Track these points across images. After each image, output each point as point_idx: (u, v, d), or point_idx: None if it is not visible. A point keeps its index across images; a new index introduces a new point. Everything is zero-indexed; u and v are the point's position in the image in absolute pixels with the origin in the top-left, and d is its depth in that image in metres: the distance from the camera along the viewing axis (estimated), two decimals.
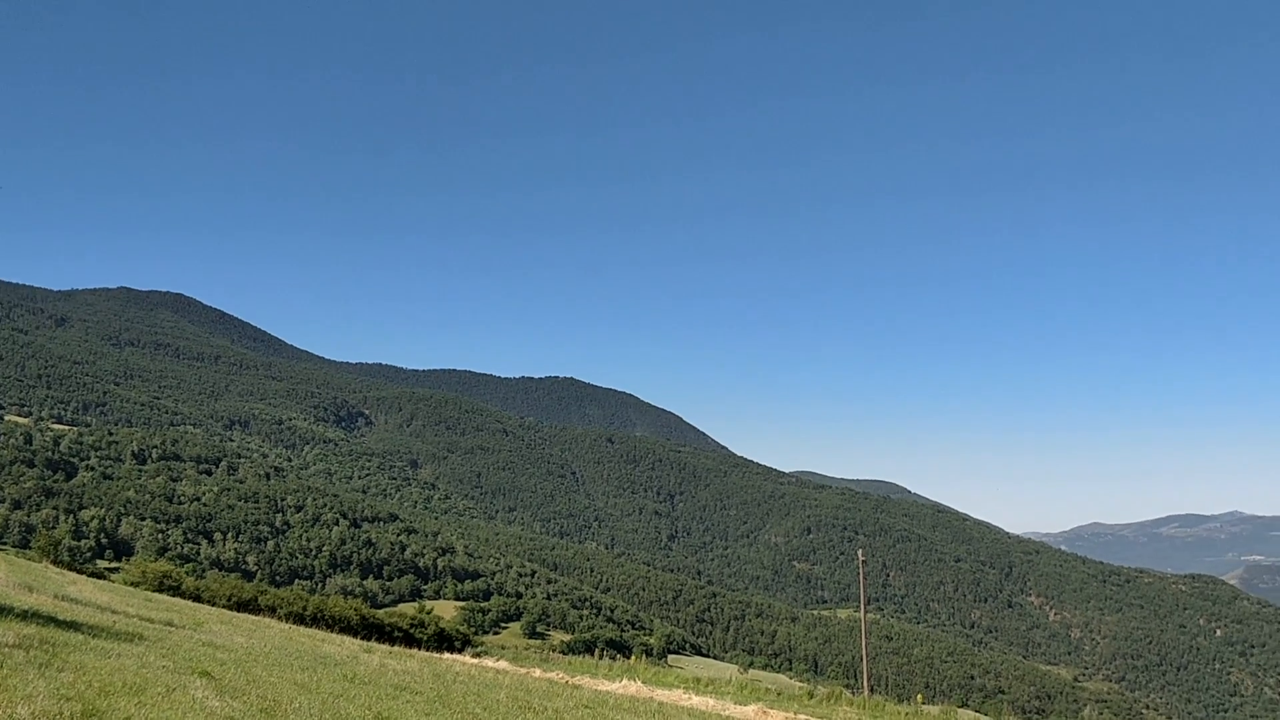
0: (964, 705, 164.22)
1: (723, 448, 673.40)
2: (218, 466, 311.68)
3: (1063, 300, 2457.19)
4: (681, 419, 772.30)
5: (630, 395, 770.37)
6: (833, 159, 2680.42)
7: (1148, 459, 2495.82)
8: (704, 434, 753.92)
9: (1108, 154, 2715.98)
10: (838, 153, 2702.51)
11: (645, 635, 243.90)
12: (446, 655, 55.84)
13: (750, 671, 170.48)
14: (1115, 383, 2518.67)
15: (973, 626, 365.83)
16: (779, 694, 49.91)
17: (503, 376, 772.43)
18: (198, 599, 71.67)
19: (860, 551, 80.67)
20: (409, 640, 67.91)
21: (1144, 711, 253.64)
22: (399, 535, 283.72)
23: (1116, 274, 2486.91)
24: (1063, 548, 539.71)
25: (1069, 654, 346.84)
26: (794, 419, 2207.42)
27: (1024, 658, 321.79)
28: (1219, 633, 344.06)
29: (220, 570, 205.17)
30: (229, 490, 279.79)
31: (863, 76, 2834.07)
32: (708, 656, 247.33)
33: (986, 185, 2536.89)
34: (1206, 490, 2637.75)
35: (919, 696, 57.49)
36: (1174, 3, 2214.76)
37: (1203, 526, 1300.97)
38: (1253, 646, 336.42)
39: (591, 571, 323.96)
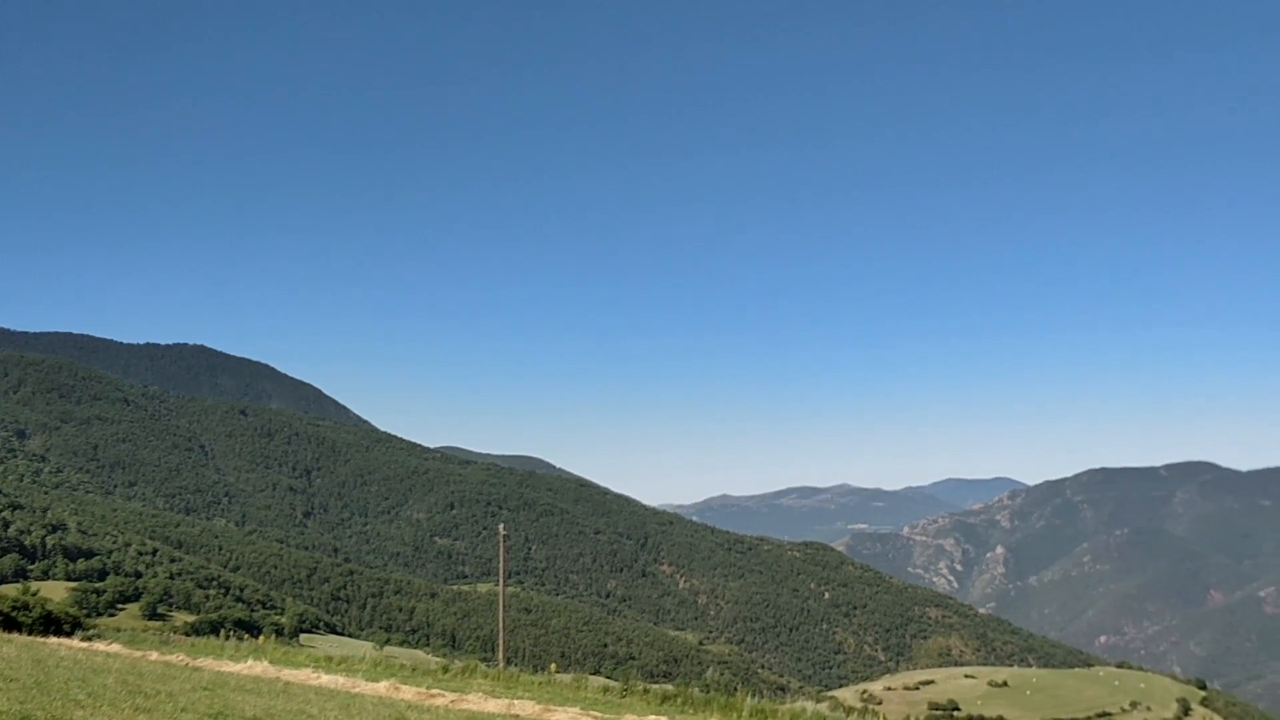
0: (596, 672, 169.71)
1: (365, 423, 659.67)
2: None
3: (686, 288, 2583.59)
4: (321, 392, 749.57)
5: (266, 366, 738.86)
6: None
7: (770, 435, 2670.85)
8: (345, 408, 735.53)
9: None
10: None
11: (277, 615, 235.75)
12: (52, 639, 51.52)
13: (386, 649, 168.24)
14: (742, 366, 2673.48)
15: (609, 596, 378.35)
16: (413, 670, 49.44)
17: (125, 342, 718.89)
18: None
19: (501, 526, 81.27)
20: (10, 624, 62.05)
21: (759, 671, 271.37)
22: (1, 511, 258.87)
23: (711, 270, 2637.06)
24: (694, 518, 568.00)
25: (696, 619, 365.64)
26: (439, 394, 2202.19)
27: (654, 624, 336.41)
28: (827, 595, 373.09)
29: None
30: None
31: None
32: (344, 635, 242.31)
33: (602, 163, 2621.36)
34: (820, 464, 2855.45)
35: (553, 666, 58.70)
36: None
37: (816, 498, 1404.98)
38: (855, 608, 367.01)
39: (220, 549, 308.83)
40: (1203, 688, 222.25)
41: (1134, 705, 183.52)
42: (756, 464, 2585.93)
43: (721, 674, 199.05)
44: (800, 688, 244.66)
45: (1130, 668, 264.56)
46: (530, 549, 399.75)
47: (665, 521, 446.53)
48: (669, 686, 42.84)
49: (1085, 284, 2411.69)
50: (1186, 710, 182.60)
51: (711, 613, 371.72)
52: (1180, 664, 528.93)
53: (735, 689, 44.65)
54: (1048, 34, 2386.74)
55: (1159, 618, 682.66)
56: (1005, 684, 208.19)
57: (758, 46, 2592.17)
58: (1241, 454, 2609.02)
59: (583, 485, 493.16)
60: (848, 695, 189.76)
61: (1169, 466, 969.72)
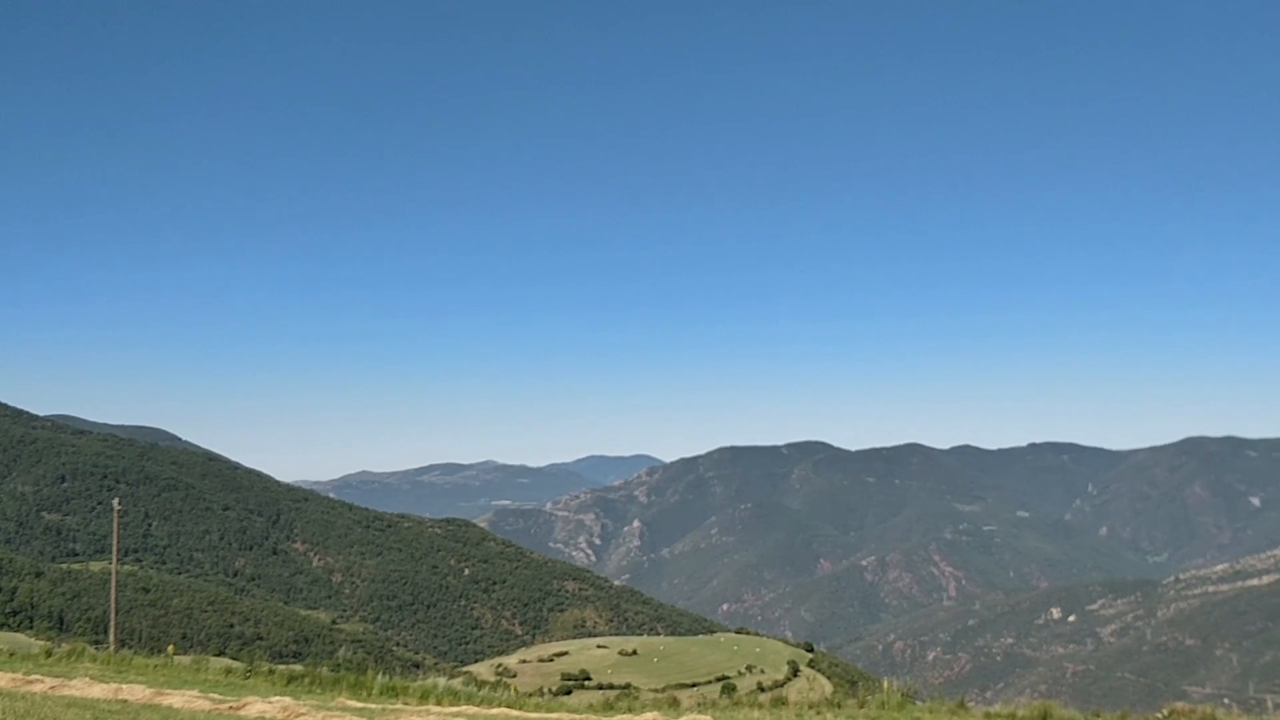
0: (221, 654, 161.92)
1: None
2: None
3: (321, 258, 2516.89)
4: None
5: None
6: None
7: (413, 412, 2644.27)
8: None
9: None
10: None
11: None
12: None
13: None
14: (384, 341, 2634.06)
15: (237, 575, 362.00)
16: (10, 654, 45.31)
17: None
18: None
19: (116, 501, 75.73)
20: None
21: (395, 648, 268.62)
22: None
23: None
24: (332, 495, 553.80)
25: (329, 598, 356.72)
26: (50, 358, 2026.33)
27: (285, 603, 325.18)
28: (467, 571, 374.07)
29: None
30: None
31: None
32: None
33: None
34: (465, 441, 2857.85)
35: (171, 648, 55.35)
36: None
37: (460, 474, 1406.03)
38: (495, 583, 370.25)
39: None
40: (810, 650, 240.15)
41: (750, 668, 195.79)
42: (399, 440, 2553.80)
43: (354, 653, 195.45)
44: (436, 664, 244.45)
45: (748, 633, 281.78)
46: (151, 525, 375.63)
47: (300, 498, 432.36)
48: (297, 666, 41.48)
49: (715, 279, 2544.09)
50: (796, 671, 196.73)
51: (347, 591, 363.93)
52: (792, 628, 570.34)
53: (368, 667, 43.80)
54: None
55: (775, 585, 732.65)
56: (635, 652, 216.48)
57: None
58: (851, 435, 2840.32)
59: (211, 459, 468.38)
60: (483, 669, 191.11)
61: (789, 445, 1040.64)
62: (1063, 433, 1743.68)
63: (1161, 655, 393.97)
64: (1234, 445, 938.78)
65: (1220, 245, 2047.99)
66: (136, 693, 31.24)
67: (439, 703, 33.42)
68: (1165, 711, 33.28)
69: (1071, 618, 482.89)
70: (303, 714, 27.79)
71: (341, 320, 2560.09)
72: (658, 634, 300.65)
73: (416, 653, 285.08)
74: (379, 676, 36.55)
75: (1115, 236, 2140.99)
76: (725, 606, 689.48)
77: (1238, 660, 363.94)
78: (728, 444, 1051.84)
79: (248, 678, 39.47)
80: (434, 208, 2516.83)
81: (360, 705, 32.02)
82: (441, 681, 36.49)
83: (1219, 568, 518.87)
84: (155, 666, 42.20)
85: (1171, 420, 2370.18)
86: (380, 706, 31.77)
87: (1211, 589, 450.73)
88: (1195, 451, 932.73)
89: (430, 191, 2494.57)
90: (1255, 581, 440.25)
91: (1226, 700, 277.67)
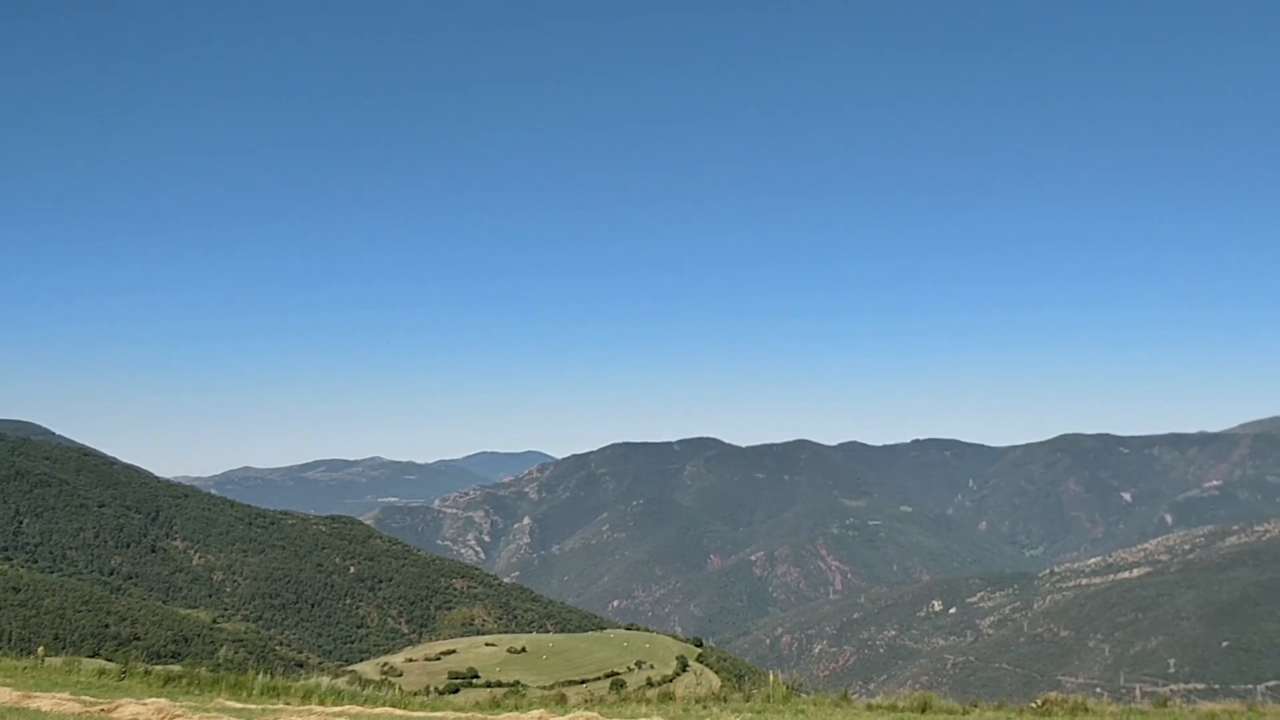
0: (95, 654, 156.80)
1: None
2: None
3: (201, 254, 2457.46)
4: None
5: None
6: None
7: (297, 406, 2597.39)
8: None
9: None
10: None
11: None
12: None
13: None
14: (266, 334, 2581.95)
15: (113, 574, 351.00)
16: None
17: None
18: None
19: None
20: None
21: (278, 648, 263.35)
22: None
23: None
24: (213, 491, 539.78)
25: (210, 597, 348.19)
26: None
27: (164, 602, 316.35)
28: (352, 570, 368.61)
29: None
30: None
31: None
32: None
33: None
34: (351, 437, 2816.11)
35: (41, 649, 53.40)
36: None
37: (346, 470, 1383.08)
38: (381, 581, 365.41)
39: None
40: (699, 645, 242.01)
41: (639, 664, 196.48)
42: (283, 435, 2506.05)
43: (236, 653, 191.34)
44: (320, 663, 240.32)
45: (638, 629, 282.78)
46: (22, 523, 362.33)
47: (180, 494, 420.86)
48: (175, 667, 40.39)
49: (606, 278, 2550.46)
50: (685, 666, 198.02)
51: (228, 590, 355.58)
52: (682, 624, 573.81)
53: (249, 667, 42.88)
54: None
55: (665, 581, 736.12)
56: (524, 650, 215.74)
57: None
58: (742, 431, 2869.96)
59: (86, 454, 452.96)
60: (369, 669, 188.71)
61: (681, 442, 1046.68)
62: (945, 430, 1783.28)
63: (1037, 646, 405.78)
64: (1107, 442, 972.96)
65: (1093, 251, 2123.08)
66: (2, 695, 30.13)
67: (322, 702, 32.86)
68: (1039, 701, 34.28)
69: (952, 610, 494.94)
70: (179, 715, 27.09)
71: (223, 314, 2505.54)
72: (547, 631, 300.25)
73: (300, 652, 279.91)
74: (260, 676, 35.84)
75: (993, 243, 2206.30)
76: (616, 603, 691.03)
77: (1109, 651, 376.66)
78: (620, 440, 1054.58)
79: (122, 679, 38.34)
80: (313, 201, 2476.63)
81: (240, 706, 31.34)
82: (325, 681, 35.92)
83: (1092, 561, 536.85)
84: (24, 669, 40.70)
85: (1048, 418, 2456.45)
86: (261, 707, 31.12)
87: (1085, 582, 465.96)
88: (1070, 448, 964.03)
89: (307, 187, 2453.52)
90: (1126, 574, 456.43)
91: (1098, 689, 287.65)
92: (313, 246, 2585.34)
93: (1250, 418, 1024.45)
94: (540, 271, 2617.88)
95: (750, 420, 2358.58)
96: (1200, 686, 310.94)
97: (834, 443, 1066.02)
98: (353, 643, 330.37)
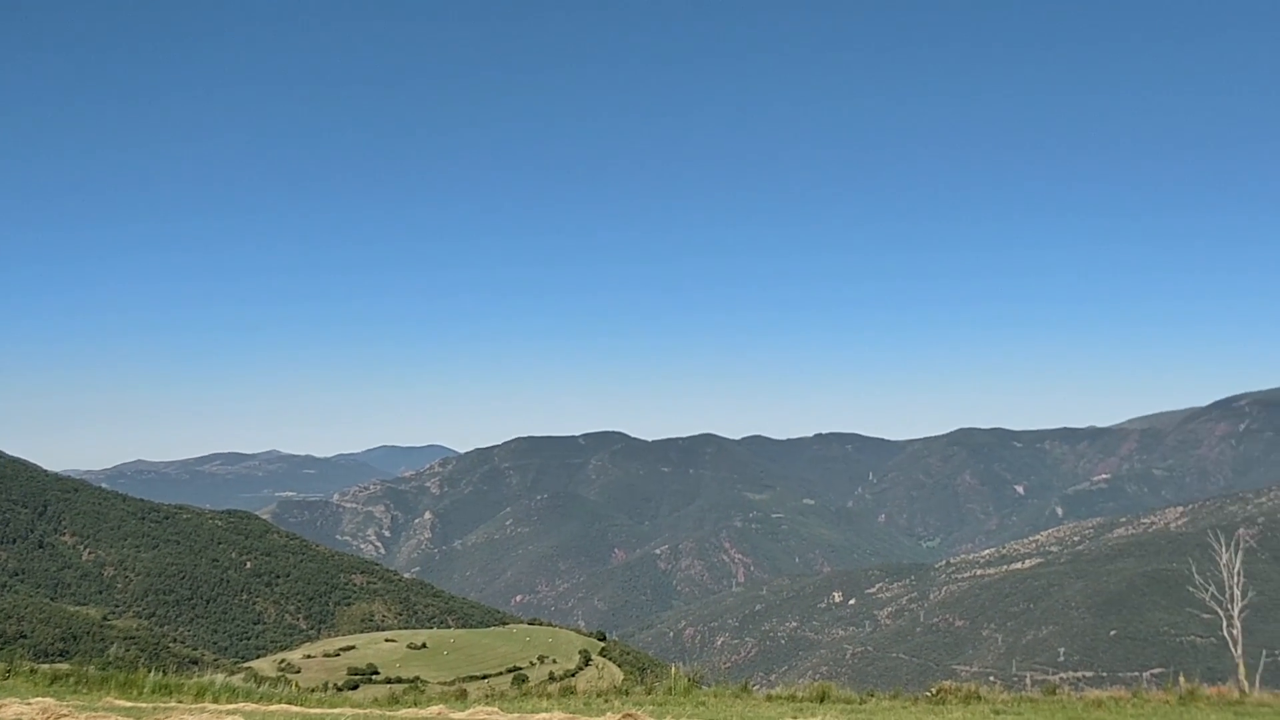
0: None
1: None
2: None
3: (89, 239, 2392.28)
4: None
5: None
6: None
7: (192, 399, 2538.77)
8: None
9: None
10: None
11: None
12: None
13: None
14: (160, 323, 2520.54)
15: None
16: None
17: None
18: None
19: None
20: None
21: (170, 645, 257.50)
22: None
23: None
24: (105, 485, 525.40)
25: (101, 593, 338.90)
26: None
27: (52, 599, 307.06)
28: (249, 565, 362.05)
29: None
30: None
31: None
32: None
33: None
34: (248, 430, 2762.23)
35: None
36: None
37: (243, 464, 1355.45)
38: (278, 576, 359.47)
39: None
40: (603, 639, 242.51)
41: (542, 659, 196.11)
42: (177, 428, 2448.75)
43: (127, 650, 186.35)
44: (215, 660, 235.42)
45: (541, 624, 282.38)
46: None
47: (70, 488, 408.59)
48: (63, 665, 39.34)
49: (510, 270, 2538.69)
50: (588, 660, 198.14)
51: (120, 586, 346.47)
52: (585, 618, 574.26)
53: (140, 665, 41.88)
54: None
55: (569, 576, 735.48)
56: (424, 645, 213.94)
57: None
58: (648, 425, 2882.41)
59: None
60: (265, 665, 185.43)
61: (586, 436, 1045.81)
62: (847, 424, 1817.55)
63: (933, 636, 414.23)
64: (1001, 436, 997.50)
65: (986, 252, 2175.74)
66: None
67: (215, 700, 32.25)
68: (934, 689, 35.02)
69: (852, 601, 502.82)
70: (65, 715, 26.30)
71: (115, 304, 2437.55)
72: (449, 627, 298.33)
73: (194, 649, 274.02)
74: (151, 674, 35.11)
75: (891, 244, 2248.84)
76: (519, 598, 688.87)
77: (1002, 640, 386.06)
78: (524, 434, 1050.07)
79: (6, 678, 37.27)
80: (194, 191, 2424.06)
81: (130, 704, 30.65)
82: (219, 678, 35.30)
83: (986, 552, 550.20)
84: None
85: (946, 413, 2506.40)
86: (152, 705, 30.46)
87: (979, 572, 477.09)
88: (966, 442, 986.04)
89: (202, 179, 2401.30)
90: (1019, 565, 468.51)
91: (992, 678, 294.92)
92: (206, 237, 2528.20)
93: (1138, 413, 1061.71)
94: (440, 264, 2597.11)
95: (656, 414, 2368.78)
96: (1088, 674, 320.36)
97: (739, 436, 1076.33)
98: (249, 639, 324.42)
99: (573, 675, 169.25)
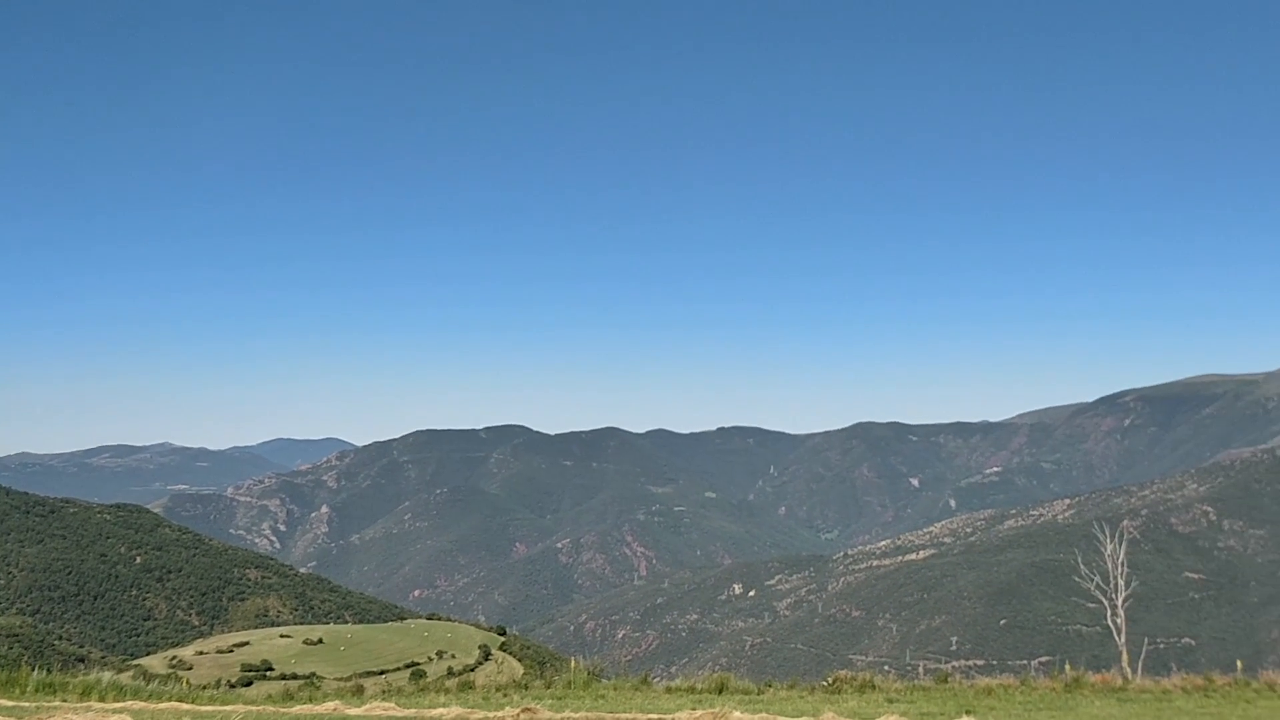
0: None
1: None
2: None
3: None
4: None
5: None
6: None
7: (80, 389, 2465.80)
8: None
9: None
10: None
11: None
12: None
13: None
14: (38, 308, 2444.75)
15: None
16: None
17: None
18: None
19: None
20: None
21: (56, 642, 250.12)
22: None
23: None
24: None
25: None
26: None
27: None
28: (139, 560, 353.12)
29: None
30: None
31: None
32: None
33: None
34: (138, 422, 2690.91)
35: None
36: None
37: (133, 457, 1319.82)
38: (170, 572, 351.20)
39: None
40: (503, 633, 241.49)
41: (441, 654, 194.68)
42: (64, 419, 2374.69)
43: (10, 648, 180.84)
44: (103, 658, 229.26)
45: (439, 619, 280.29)
46: None
47: None
48: None
49: (407, 262, 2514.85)
50: (487, 655, 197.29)
51: (2, 582, 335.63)
52: (486, 613, 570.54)
53: (23, 663, 40.62)
54: None
55: (469, 570, 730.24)
56: (320, 641, 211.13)
57: None
58: (550, 419, 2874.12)
59: None
60: (156, 662, 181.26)
61: (488, 429, 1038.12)
62: (748, 417, 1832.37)
63: (831, 626, 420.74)
64: (897, 430, 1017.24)
65: (885, 251, 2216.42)
66: None
67: (102, 699, 31.42)
68: (830, 679, 35.60)
69: (752, 593, 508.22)
70: None
71: None
72: (345, 622, 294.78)
73: (82, 647, 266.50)
74: (35, 673, 34.11)
75: (794, 242, 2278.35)
76: (417, 593, 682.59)
77: (896, 629, 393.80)
78: (424, 428, 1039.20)
79: None
80: (91, 182, 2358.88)
81: (12, 704, 29.75)
82: (106, 676, 34.42)
83: (882, 544, 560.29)
84: None
85: (845, 407, 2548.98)
86: (35, 705, 29.59)
87: (876, 564, 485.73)
88: (864, 436, 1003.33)
89: (101, 169, 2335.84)
90: (913, 556, 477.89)
91: (886, 667, 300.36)
92: (90, 228, 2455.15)
93: (1028, 408, 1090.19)
94: (340, 255, 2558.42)
95: (559, 407, 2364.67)
96: (980, 662, 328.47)
97: (642, 430, 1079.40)
98: (139, 636, 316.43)
99: (472, 670, 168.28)
